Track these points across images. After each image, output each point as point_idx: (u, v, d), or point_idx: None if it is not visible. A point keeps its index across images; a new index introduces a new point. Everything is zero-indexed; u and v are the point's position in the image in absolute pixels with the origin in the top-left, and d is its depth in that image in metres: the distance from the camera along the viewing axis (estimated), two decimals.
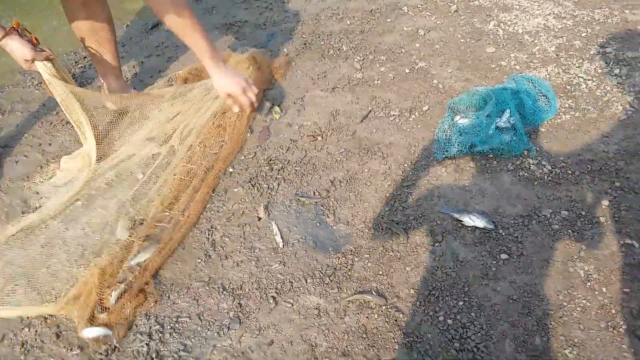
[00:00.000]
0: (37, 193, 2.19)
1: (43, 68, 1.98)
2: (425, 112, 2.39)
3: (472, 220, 1.87)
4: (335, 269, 1.78)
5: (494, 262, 1.76)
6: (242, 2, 3.39)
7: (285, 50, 2.91)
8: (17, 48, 1.88)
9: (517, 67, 2.58)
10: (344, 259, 1.81)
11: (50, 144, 2.42)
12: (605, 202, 1.89)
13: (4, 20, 2.26)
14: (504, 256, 1.78)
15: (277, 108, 2.49)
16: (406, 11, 3.11)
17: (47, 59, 1.97)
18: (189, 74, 2.75)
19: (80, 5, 2.20)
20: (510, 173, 2.07)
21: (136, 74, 2.84)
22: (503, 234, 1.85)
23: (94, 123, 2.20)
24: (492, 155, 2.14)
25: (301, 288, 1.72)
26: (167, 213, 2.01)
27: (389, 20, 3.05)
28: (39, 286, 1.78)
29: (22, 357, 1.60)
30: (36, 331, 1.67)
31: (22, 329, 1.68)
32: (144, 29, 3.23)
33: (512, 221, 1.88)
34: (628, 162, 2.03)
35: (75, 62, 2.95)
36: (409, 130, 2.32)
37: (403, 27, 2.98)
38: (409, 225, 1.90)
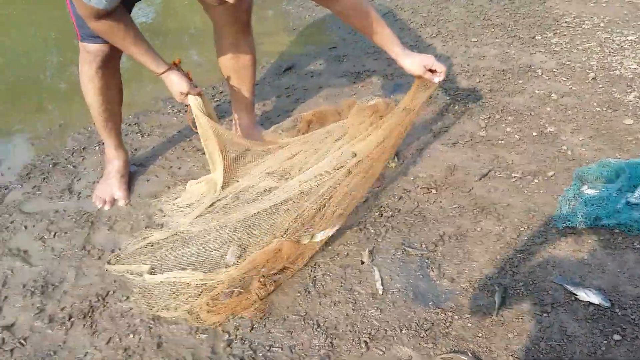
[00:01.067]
0: (161, 211, 2.35)
1: (194, 102, 2.16)
2: (550, 178, 2.28)
3: (587, 295, 1.73)
4: (432, 323, 1.71)
5: (605, 341, 1.61)
6: (372, 53, 3.49)
7: None
8: (177, 82, 2.08)
9: None
10: (443, 315, 1.74)
11: (179, 168, 2.60)
12: None
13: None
14: (616, 337, 1.62)
15: (394, 157, 2.50)
16: (540, 74, 3.02)
17: (199, 94, 2.15)
18: (313, 116, 2.85)
19: (230, 45, 2.39)
20: (636, 252, 1.90)
21: (265, 111, 3.00)
22: (619, 313, 1.69)
23: (225, 155, 2.34)
24: (618, 231, 1.98)
25: (395, 337, 1.68)
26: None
27: (520, 81, 2.98)
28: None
29: None
30: (140, 338, 1.76)
31: (128, 334, 1.78)
32: (277, 71, 3.41)
33: (631, 302, 1.72)
34: None
35: (212, 96, 3.17)
36: (530, 194, 2.22)
37: (535, 90, 2.89)
38: (518, 291, 1.79)
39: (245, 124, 2.64)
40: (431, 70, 2.11)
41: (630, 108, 2.65)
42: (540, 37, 3.36)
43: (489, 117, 2.72)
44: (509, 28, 3.51)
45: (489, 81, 3.02)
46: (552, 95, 2.82)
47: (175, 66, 2.09)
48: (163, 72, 2.05)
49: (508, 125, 2.65)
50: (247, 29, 2.43)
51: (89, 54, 2.17)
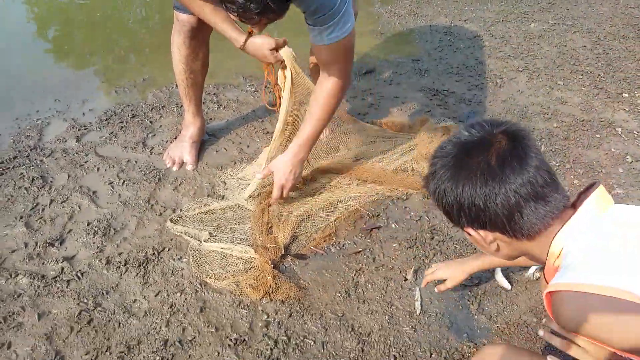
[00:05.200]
0: (224, 183, 2.45)
1: (288, 54, 2.16)
2: None
3: None
4: (463, 355, 1.74)
5: None
6: (455, 74, 3.50)
7: None
8: (262, 41, 2.09)
9: None
10: (474, 349, 1.77)
11: (248, 146, 2.70)
12: None
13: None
14: None
15: None
16: (619, 132, 2.97)
17: (285, 42, 2.16)
18: (385, 125, 2.90)
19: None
20: None
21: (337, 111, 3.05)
22: None
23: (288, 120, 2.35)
24: None
25: (424, 358, 1.72)
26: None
27: (598, 135, 2.94)
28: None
29: (167, 316, 1.80)
30: (185, 299, 1.86)
31: (176, 292, 1.88)
32: (358, 72, 3.46)
33: None
34: None
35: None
36: None
37: (611, 147, 2.85)
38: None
39: None
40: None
41: None
42: (627, 95, 3.29)
43: (560, 164, 2.70)
44: (598, 79, 3.45)
45: (566, 128, 2.99)
46: (627, 157, 2.77)
47: (249, 34, 2.09)
48: (245, 41, 2.07)
49: (577, 177, 2.63)
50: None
51: (179, 23, 2.27)
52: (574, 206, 1.19)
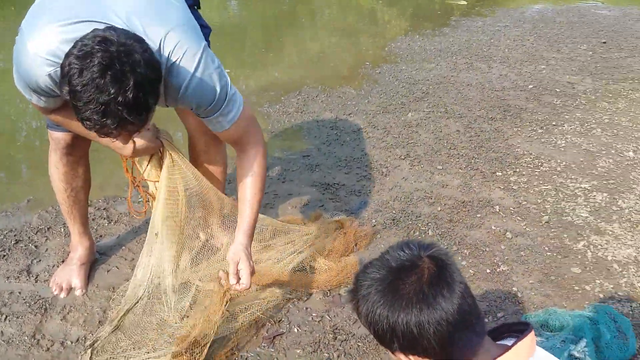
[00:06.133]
0: (117, 306, 2.34)
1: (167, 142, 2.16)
2: (499, 320, 2.38)
3: None
4: None
5: None
6: (344, 167, 3.65)
7: (373, 221, 3.05)
8: (149, 133, 2.06)
9: (601, 295, 2.54)
10: None
11: None
12: None
13: None
14: None
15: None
16: (497, 210, 3.21)
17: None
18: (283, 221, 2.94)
19: (201, 151, 2.49)
20: None
21: None
22: None
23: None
24: None
25: None
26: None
27: (479, 215, 3.15)
28: None
29: None
30: None
31: None
32: None
33: None
34: None
35: None
36: None
37: (492, 226, 3.06)
38: None
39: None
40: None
41: (579, 257, 2.82)
42: (500, 174, 3.59)
43: (447, 247, 2.85)
44: (473, 160, 3.74)
45: (449, 211, 3.18)
46: (508, 233, 2.99)
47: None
48: (134, 145, 2.02)
49: (464, 258, 2.78)
50: (219, 139, 2.52)
51: (53, 141, 2.22)
52: (493, 336, 1.28)
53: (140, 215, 2.47)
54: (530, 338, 1.22)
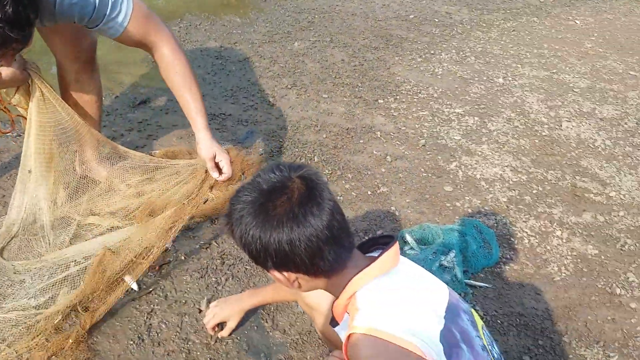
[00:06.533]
0: None
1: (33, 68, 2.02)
2: None
3: None
4: None
5: None
6: (230, 97, 3.59)
7: (260, 150, 3.06)
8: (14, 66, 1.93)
9: (470, 210, 2.77)
10: None
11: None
12: (526, 358, 2.00)
13: None
14: None
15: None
16: (379, 136, 3.33)
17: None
18: (164, 155, 2.86)
19: (73, 81, 2.34)
20: None
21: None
22: None
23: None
24: None
25: None
26: None
27: (361, 141, 3.27)
28: None
29: None
30: None
31: None
32: (131, 104, 3.37)
33: None
34: (554, 323, 2.17)
35: None
36: None
37: (373, 150, 3.19)
38: None
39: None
40: (218, 165, 2.14)
41: (451, 176, 3.03)
42: (382, 101, 3.71)
43: (331, 172, 2.95)
44: (356, 89, 3.82)
45: (334, 138, 3.26)
46: (388, 157, 3.13)
47: None
48: None
49: (347, 182, 2.89)
50: (91, 66, 2.37)
51: None
52: (362, 249, 1.35)
53: (7, 132, 2.37)
54: (395, 249, 1.30)
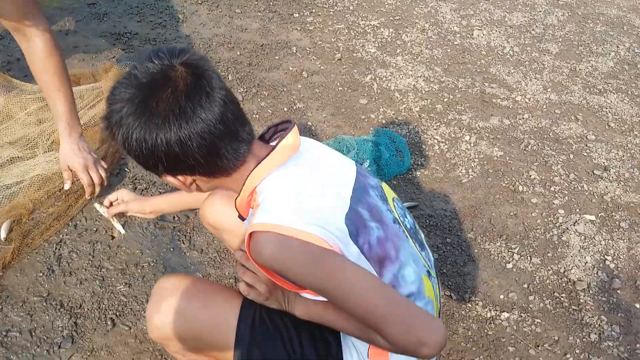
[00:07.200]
0: None
1: None
2: None
3: None
4: None
5: None
6: (136, 14, 3.38)
7: None
8: None
9: (384, 121, 2.81)
10: None
11: None
12: (434, 256, 2.12)
13: None
14: None
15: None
16: (294, 51, 3.27)
17: None
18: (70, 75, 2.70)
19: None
20: None
21: (9, 71, 2.73)
22: None
23: None
24: None
25: (142, 312, 1.76)
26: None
27: (277, 57, 3.19)
28: None
29: None
30: None
31: None
32: None
33: None
34: (461, 222, 2.29)
35: None
36: None
37: (289, 67, 3.13)
38: None
39: None
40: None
41: (367, 89, 3.04)
42: (297, 15, 3.61)
43: (247, 90, 2.88)
44: (271, 2, 3.68)
45: (248, 55, 3.17)
46: (304, 73, 3.09)
47: None
48: None
49: (263, 99, 2.84)
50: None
51: None
52: (264, 139, 1.23)
53: None
54: (293, 134, 1.17)
